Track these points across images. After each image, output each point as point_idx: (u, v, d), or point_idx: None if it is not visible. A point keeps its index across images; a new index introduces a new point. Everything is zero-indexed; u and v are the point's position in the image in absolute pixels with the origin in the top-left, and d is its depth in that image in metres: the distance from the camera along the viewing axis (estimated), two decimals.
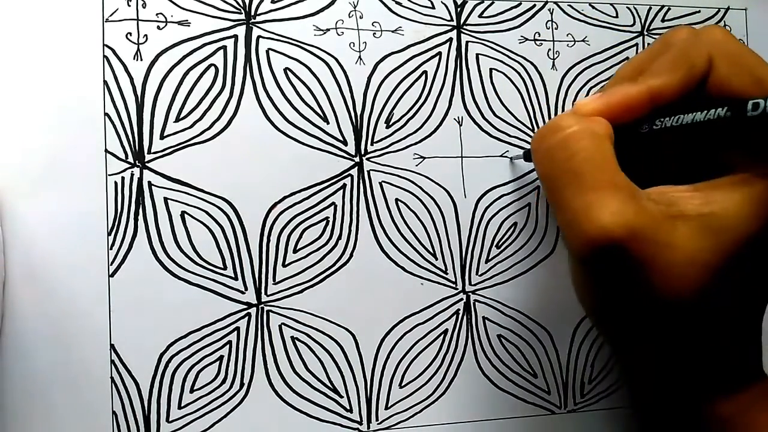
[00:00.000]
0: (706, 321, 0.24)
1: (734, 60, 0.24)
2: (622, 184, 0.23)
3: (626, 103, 0.24)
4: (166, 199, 0.28)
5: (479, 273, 0.31)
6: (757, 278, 0.24)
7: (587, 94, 0.32)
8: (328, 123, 0.30)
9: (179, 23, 0.29)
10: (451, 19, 0.31)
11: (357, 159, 0.30)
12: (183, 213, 0.29)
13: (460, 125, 0.31)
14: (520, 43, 0.32)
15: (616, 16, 0.33)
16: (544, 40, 0.32)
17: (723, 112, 0.23)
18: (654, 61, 0.26)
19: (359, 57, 0.30)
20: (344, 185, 0.30)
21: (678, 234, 0.23)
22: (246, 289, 0.29)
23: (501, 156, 0.31)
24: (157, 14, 0.28)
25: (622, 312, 0.25)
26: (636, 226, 0.22)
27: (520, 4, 0.32)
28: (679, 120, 0.24)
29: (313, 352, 0.30)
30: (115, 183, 0.28)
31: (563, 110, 0.32)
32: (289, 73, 0.30)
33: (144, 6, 0.28)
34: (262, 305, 0.29)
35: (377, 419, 0.30)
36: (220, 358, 0.29)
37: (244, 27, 0.29)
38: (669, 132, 0.24)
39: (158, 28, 0.28)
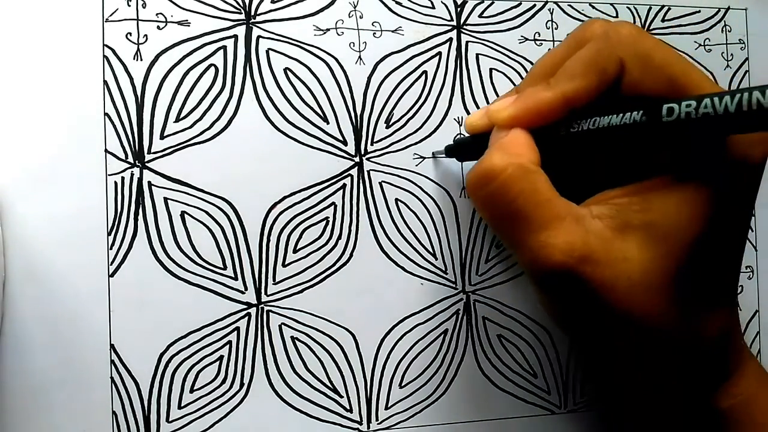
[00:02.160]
0: (679, 325, 0.24)
1: (644, 60, 0.24)
2: (564, 213, 0.23)
3: (539, 109, 0.24)
4: (166, 199, 0.28)
5: (479, 273, 0.31)
6: (721, 272, 0.24)
7: None
8: (328, 123, 0.30)
9: (179, 23, 0.29)
10: (451, 19, 0.31)
11: (357, 159, 0.30)
12: (183, 213, 0.29)
13: (460, 125, 0.31)
14: (520, 43, 0.32)
15: (616, 16, 0.33)
16: (544, 40, 0.32)
17: (639, 117, 0.23)
18: (569, 58, 0.25)
19: (359, 57, 0.30)
20: (344, 185, 0.30)
21: (628, 247, 0.23)
22: (246, 289, 0.29)
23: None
24: (157, 14, 0.28)
25: (593, 332, 0.25)
26: (585, 252, 0.22)
27: (520, 4, 0.32)
28: (595, 123, 0.24)
29: (313, 352, 0.30)
30: (115, 183, 0.28)
31: None
32: (289, 73, 0.30)
33: (144, 6, 0.28)
34: (262, 305, 0.29)
35: (377, 419, 0.30)
36: (220, 358, 0.29)
37: (244, 27, 0.29)
38: (587, 135, 0.24)
39: (158, 28, 0.28)
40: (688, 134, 0.22)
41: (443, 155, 0.30)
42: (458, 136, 0.31)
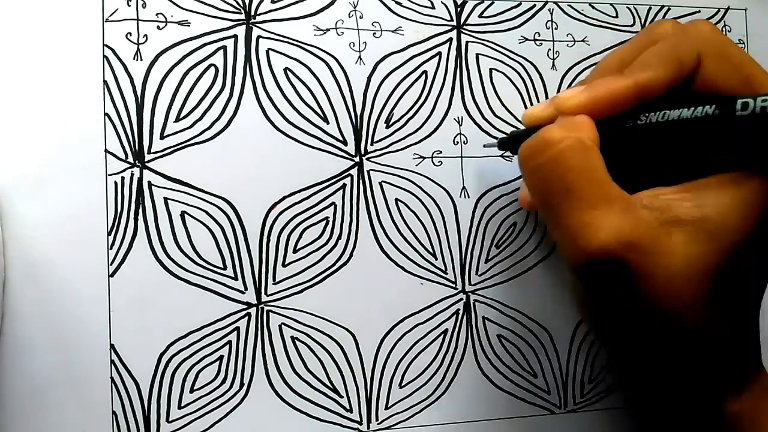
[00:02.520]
0: (709, 324, 0.23)
1: (722, 57, 0.24)
2: (616, 197, 0.23)
3: (612, 97, 0.24)
4: (166, 199, 0.28)
5: (479, 273, 0.31)
6: (755, 276, 0.24)
7: None
8: (328, 123, 0.30)
9: (179, 23, 0.29)
10: (451, 19, 0.31)
11: (357, 159, 0.30)
12: (183, 213, 0.29)
13: (460, 125, 0.31)
14: (520, 43, 0.32)
15: (616, 16, 0.33)
16: (544, 40, 0.32)
17: (711, 110, 0.23)
18: (639, 54, 0.25)
19: (359, 57, 0.30)
20: (344, 185, 0.30)
21: (675, 241, 0.23)
22: (246, 289, 0.29)
23: (501, 156, 0.31)
24: (157, 14, 0.28)
25: (625, 323, 0.25)
26: (633, 239, 0.22)
27: (520, 4, 0.32)
28: (665, 116, 0.24)
29: (313, 352, 0.30)
30: (115, 183, 0.28)
31: None
32: (289, 73, 0.30)
33: (144, 6, 0.28)
34: (262, 305, 0.29)
35: (377, 419, 0.30)
36: (220, 358, 0.29)
37: (244, 27, 0.29)
38: (654, 128, 0.24)
39: (158, 28, 0.28)
40: (758, 131, 0.22)
41: (494, 147, 0.30)
42: (511, 133, 0.30)
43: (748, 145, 0.23)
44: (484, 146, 0.31)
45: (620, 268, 0.22)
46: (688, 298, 0.23)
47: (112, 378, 0.28)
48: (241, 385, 0.29)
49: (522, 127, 0.29)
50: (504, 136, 0.30)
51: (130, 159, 0.28)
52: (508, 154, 0.31)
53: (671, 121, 0.24)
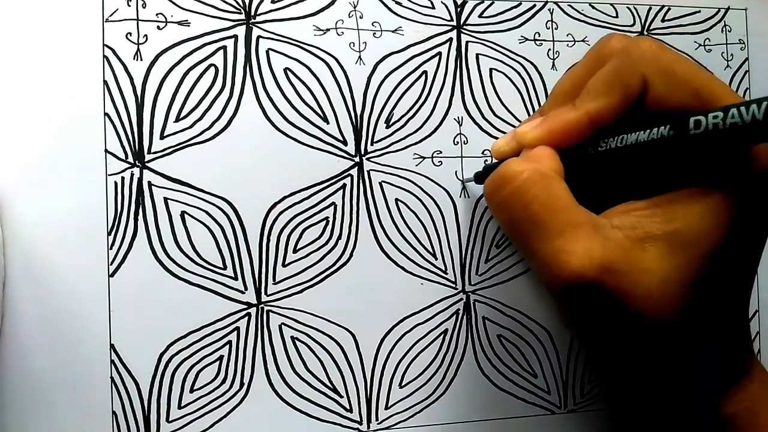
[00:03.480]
0: (692, 334, 0.24)
1: (668, 75, 0.24)
2: (582, 221, 0.23)
3: (566, 129, 0.25)
4: (166, 199, 0.28)
5: (479, 273, 0.31)
6: (735, 280, 0.24)
7: None
8: (328, 123, 0.30)
9: (179, 23, 0.29)
10: (451, 19, 0.31)
11: (357, 159, 0.30)
12: (183, 213, 0.29)
13: (460, 125, 0.31)
14: (520, 43, 0.32)
15: (616, 16, 0.33)
16: (544, 40, 0.32)
17: (666, 131, 0.23)
18: (590, 76, 0.25)
19: (359, 57, 0.30)
20: (344, 185, 0.30)
21: (649, 257, 0.23)
22: (246, 289, 0.29)
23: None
24: (157, 14, 0.28)
25: (610, 338, 0.25)
26: (605, 260, 0.22)
27: (520, 4, 0.32)
28: (623, 140, 0.24)
29: (313, 352, 0.30)
30: (115, 183, 0.28)
31: None
32: (289, 73, 0.30)
33: (144, 6, 0.28)
34: (262, 305, 0.29)
35: (377, 419, 0.30)
36: (220, 358, 0.29)
37: (244, 27, 0.29)
38: (615, 153, 0.24)
39: (158, 28, 0.28)
40: (715, 146, 0.22)
41: (472, 182, 0.30)
42: (486, 163, 0.31)
43: (705, 161, 0.23)
44: (462, 181, 0.31)
45: (598, 290, 0.22)
46: (670, 309, 0.23)
47: (112, 378, 0.28)
48: (241, 385, 0.29)
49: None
50: (479, 170, 0.30)
51: (130, 159, 0.28)
52: None
53: (630, 145, 0.24)
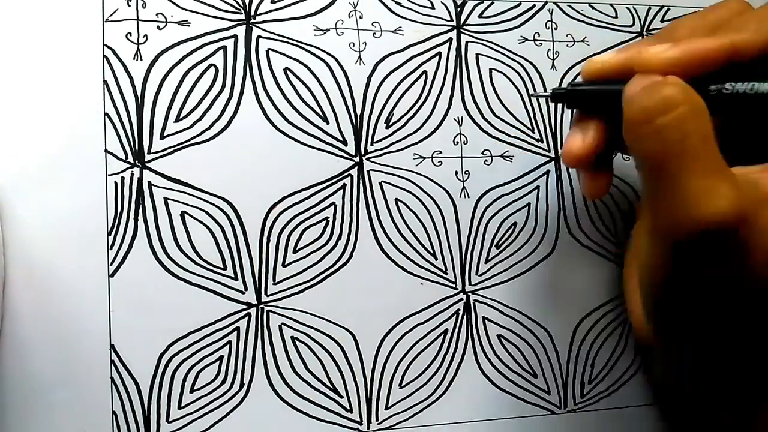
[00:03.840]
0: None
1: None
2: (726, 167, 0.22)
3: (704, 55, 0.23)
4: (166, 199, 0.28)
5: (479, 273, 0.31)
6: None
7: None
8: (328, 123, 0.30)
9: (179, 23, 0.29)
10: (451, 19, 0.31)
11: (357, 159, 0.30)
12: (183, 213, 0.29)
13: (460, 125, 0.31)
14: (519, 43, 0.32)
15: (616, 17, 0.33)
16: (544, 40, 0.32)
17: None
18: (729, 20, 0.24)
19: (359, 57, 0.30)
20: (344, 185, 0.30)
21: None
22: (246, 289, 0.29)
23: (501, 156, 0.32)
24: (157, 14, 0.28)
25: (718, 304, 0.23)
26: (744, 210, 0.21)
27: (519, 4, 0.32)
28: (752, 88, 0.22)
29: (313, 352, 0.30)
30: (115, 183, 0.28)
31: (563, 110, 0.32)
32: (289, 73, 0.30)
33: (144, 6, 0.28)
34: (262, 305, 0.29)
35: (377, 419, 0.30)
36: (220, 358, 0.29)
37: (244, 27, 0.29)
38: (739, 99, 0.23)
39: (158, 28, 0.28)
40: None
41: (546, 96, 0.28)
42: (569, 84, 0.27)
43: None
44: (531, 95, 0.29)
45: (731, 240, 0.21)
46: None
47: (112, 378, 0.28)
48: (241, 385, 0.29)
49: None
50: (558, 87, 0.28)
51: (130, 159, 0.28)
52: (508, 152, 0.32)
53: (760, 94, 0.22)
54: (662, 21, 0.33)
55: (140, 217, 0.28)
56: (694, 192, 0.21)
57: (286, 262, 0.29)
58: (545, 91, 0.32)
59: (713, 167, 0.21)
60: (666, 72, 0.23)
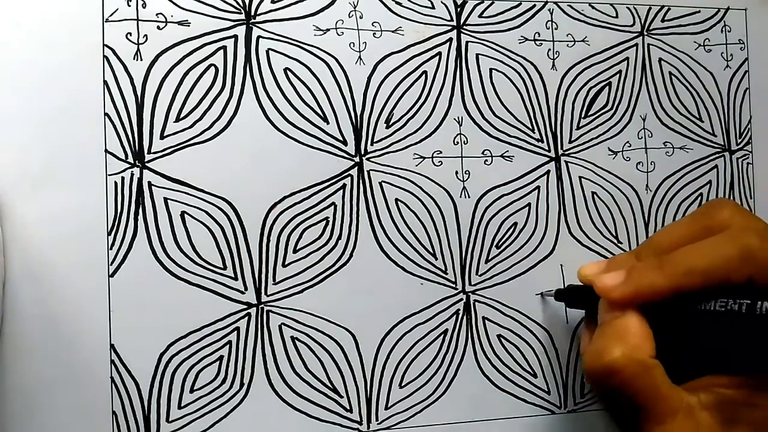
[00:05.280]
0: None
1: None
2: (678, 406, 0.24)
3: (653, 295, 0.25)
4: (166, 199, 0.28)
5: (479, 273, 0.31)
6: None
7: (586, 95, 0.32)
8: (328, 123, 0.30)
9: (179, 23, 0.29)
10: (451, 19, 0.31)
11: (357, 159, 0.30)
12: (183, 213, 0.29)
13: (460, 125, 0.31)
14: (520, 43, 0.32)
15: (616, 16, 0.33)
16: (544, 40, 0.32)
17: (737, 306, 0.23)
18: (692, 239, 0.26)
19: (359, 57, 0.30)
20: (344, 185, 0.30)
21: None
22: (246, 289, 0.29)
23: (501, 156, 0.32)
24: (157, 14, 0.28)
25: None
26: None
27: (520, 4, 0.32)
28: (702, 305, 0.24)
29: (313, 352, 0.30)
30: (115, 183, 0.28)
31: (562, 110, 0.32)
32: (289, 73, 0.30)
33: (144, 6, 0.28)
34: (262, 305, 0.29)
35: (377, 419, 0.30)
36: (220, 358, 0.29)
37: (244, 27, 0.29)
38: (695, 315, 0.25)
39: (158, 28, 0.28)
40: None
41: (552, 296, 0.31)
42: (569, 285, 0.31)
43: None
44: (541, 294, 0.31)
45: None
46: None
47: (112, 378, 0.28)
48: (241, 385, 0.29)
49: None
50: (560, 288, 0.31)
51: (130, 159, 0.28)
52: (508, 152, 0.32)
53: (708, 311, 0.24)
54: (662, 21, 0.33)
55: (140, 217, 0.28)
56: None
57: (286, 262, 0.29)
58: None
59: (662, 415, 0.24)
60: (622, 304, 0.26)
